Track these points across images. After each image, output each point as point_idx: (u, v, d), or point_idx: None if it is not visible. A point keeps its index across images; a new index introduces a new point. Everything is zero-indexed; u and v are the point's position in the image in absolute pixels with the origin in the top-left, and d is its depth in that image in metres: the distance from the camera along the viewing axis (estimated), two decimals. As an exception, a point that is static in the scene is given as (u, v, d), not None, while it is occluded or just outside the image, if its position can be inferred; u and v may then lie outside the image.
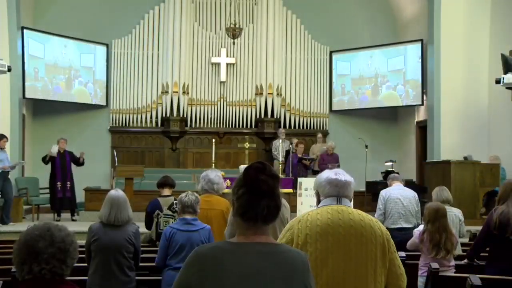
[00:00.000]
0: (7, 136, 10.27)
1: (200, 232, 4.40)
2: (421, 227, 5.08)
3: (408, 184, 10.26)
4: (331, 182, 2.68)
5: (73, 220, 10.83)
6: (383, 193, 6.58)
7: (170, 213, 5.84)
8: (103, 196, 12.16)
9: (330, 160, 11.99)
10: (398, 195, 6.49)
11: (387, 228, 6.80)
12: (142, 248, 6.10)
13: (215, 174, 4.89)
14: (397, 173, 10.81)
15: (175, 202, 6.04)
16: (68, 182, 10.93)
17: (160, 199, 6.23)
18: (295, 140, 12.46)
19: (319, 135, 13.34)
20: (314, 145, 13.19)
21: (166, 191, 6.31)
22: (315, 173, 12.27)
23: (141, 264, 5.07)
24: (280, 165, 11.31)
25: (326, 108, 14.48)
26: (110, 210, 4.34)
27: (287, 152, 11.86)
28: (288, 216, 4.04)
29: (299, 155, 11.91)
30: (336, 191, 2.65)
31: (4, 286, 4.03)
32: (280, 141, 12.29)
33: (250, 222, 1.86)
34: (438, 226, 4.70)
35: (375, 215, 6.75)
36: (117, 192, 4.45)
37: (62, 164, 10.88)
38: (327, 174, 2.74)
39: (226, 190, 5.14)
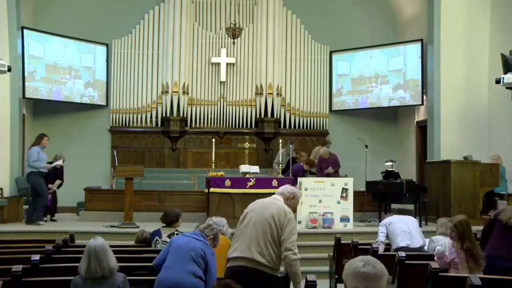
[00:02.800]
0: (48, 135, 10.23)
1: (202, 243, 4.38)
2: (441, 242, 5.29)
3: (408, 183, 10.29)
4: (358, 276, 2.25)
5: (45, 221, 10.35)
6: (384, 220, 6.71)
7: (168, 240, 5.87)
8: (103, 196, 12.17)
9: (327, 164, 11.78)
10: (399, 218, 6.65)
11: (394, 249, 6.68)
12: (138, 248, 6.13)
13: (224, 222, 5.23)
14: (398, 171, 10.81)
15: (176, 232, 6.15)
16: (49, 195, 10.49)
17: (162, 229, 6.40)
18: (304, 156, 12.18)
19: (329, 145, 12.67)
20: (317, 148, 12.86)
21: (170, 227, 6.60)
22: (313, 174, 12.12)
23: (140, 264, 5.08)
24: (280, 165, 11.26)
25: (326, 108, 14.48)
26: (89, 262, 3.90)
27: (289, 160, 11.68)
28: (293, 226, 4.11)
29: (305, 168, 11.65)
30: (364, 285, 2.23)
31: (4, 286, 4.02)
32: (282, 150, 11.97)
33: None
34: (473, 240, 4.83)
35: (378, 238, 6.60)
36: (95, 241, 4.00)
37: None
38: (355, 263, 2.30)
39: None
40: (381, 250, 6.13)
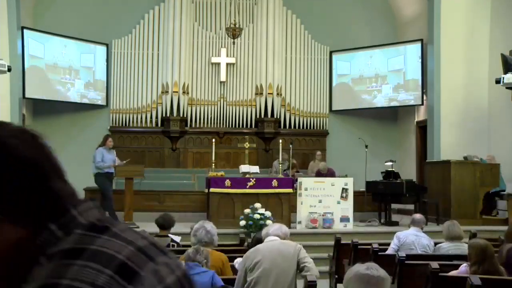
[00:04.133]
0: (111, 136, 10.46)
1: (204, 274, 3.93)
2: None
3: (408, 183, 10.28)
4: (362, 278, 2.25)
5: None
6: (400, 235, 6.31)
7: None
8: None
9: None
10: (414, 236, 6.25)
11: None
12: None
13: (210, 226, 4.62)
14: (398, 171, 10.81)
15: (171, 244, 5.92)
16: None
17: (156, 238, 6.13)
18: (294, 162, 12.28)
19: (318, 152, 13.11)
20: (313, 163, 12.99)
21: (164, 232, 6.18)
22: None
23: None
24: (281, 165, 11.25)
25: (326, 108, 14.48)
26: None
27: (287, 169, 11.74)
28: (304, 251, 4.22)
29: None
30: None
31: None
32: (276, 161, 11.96)
33: None
34: (487, 269, 4.03)
35: (389, 251, 6.45)
36: None
37: None
38: (357, 267, 2.33)
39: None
40: None
